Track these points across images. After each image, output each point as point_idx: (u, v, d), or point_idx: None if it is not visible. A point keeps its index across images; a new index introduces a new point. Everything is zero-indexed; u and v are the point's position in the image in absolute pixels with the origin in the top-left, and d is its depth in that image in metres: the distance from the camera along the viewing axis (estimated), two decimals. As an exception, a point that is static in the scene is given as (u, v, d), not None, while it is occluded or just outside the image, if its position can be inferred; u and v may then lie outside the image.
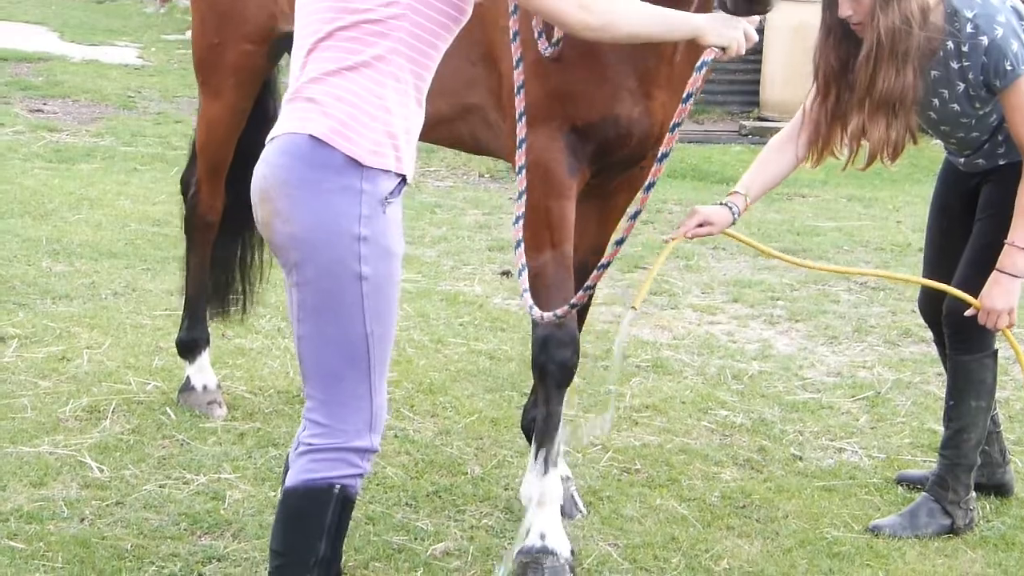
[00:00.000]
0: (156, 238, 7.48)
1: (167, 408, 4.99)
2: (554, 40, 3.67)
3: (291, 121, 2.90)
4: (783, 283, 7.33)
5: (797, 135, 4.13)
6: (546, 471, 3.93)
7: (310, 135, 2.84)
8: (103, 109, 11.81)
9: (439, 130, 3.99)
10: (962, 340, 4.25)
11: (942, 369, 4.71)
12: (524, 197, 3.63)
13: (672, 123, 3.42)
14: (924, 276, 4.47)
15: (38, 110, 11.45)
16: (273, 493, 4.20)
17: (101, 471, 4.40)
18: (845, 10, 3.87)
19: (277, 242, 2.92)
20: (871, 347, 6.32)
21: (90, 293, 6.37)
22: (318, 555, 2.97)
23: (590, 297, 3.91)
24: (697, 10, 3.44)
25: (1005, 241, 3.99)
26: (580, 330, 4.06)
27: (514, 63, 3.61)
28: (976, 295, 4.04)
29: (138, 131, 10.82)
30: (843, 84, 3.98)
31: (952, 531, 4.32)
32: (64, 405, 4.94)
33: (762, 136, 12.02)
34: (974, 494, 4.40)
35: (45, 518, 4.03)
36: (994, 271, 4.00)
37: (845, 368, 5.98)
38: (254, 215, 2.97)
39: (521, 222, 3.64)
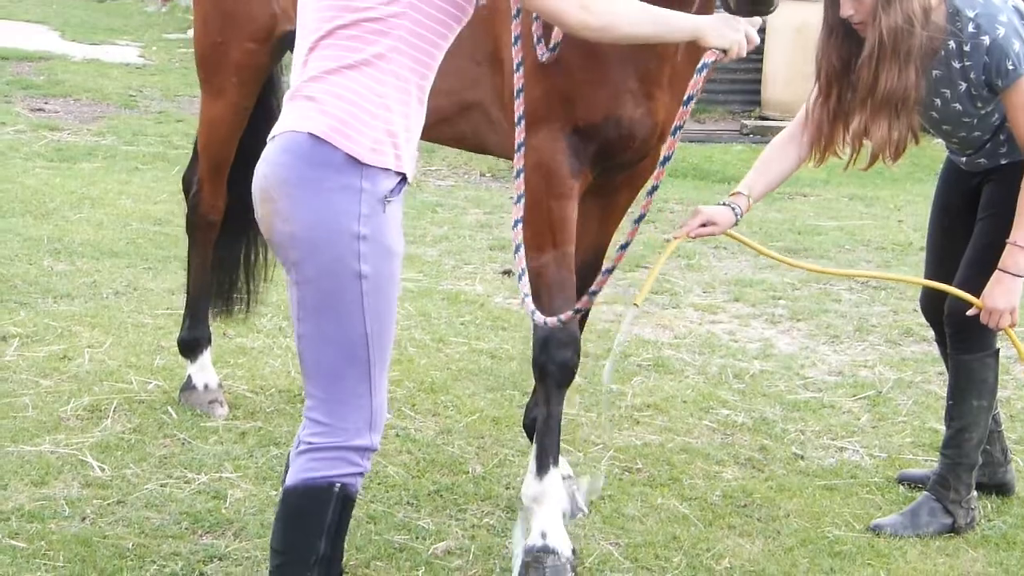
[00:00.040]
0: (157, 237, 7.48)
1: (168, 407, 4.99)
2: (551, 45, 3.66)
3: (291, 119, 2.90)
4: (784, 282, 7.33)
5: (799, 135, 4.12)
6: (547, 471, 3.93)
7: (310, 133, 2.84)
8: (104, 108, 11.81)
9: (441, 128, 3.99)
10: (964, 339, 4.24)
11: (943, 368, 4.71)
12: (523, 200, 3.62)
13: (673, 126, 3.41)
14: (926, 275, 4.46)
15: (39, 109, 11.46)
16: (274, 492, 4.20)
17: (102, 470, 4.40)
18: (847, 10, 3.87)
19: (277, 241, 2.92)
20: (872, 346, 6.32)
21: (91, 292, 6.37)
22: (318, 554, 2.97)
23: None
24: (699, 11, 3.43)
25: (1007, 240, 3.99)
26: (581, 330, 4.06)
27: (515, 66, 3.60)
28: (978, 294, 4.04)
29: (139, 130, 10.83)
30: (845, 84, 3.98)
31: (953, 530, 4.32)
32: (65, 404, 4.94)
33: (763, 135, 12.02)
34: (975, 493, 4.39)
35: (46, 517, 4.02)
36: (996, 270, 4.00)
37: (846, 367, 5.98)
38: (255, 213, 2.98)
39: (520, 225, 3.63)
